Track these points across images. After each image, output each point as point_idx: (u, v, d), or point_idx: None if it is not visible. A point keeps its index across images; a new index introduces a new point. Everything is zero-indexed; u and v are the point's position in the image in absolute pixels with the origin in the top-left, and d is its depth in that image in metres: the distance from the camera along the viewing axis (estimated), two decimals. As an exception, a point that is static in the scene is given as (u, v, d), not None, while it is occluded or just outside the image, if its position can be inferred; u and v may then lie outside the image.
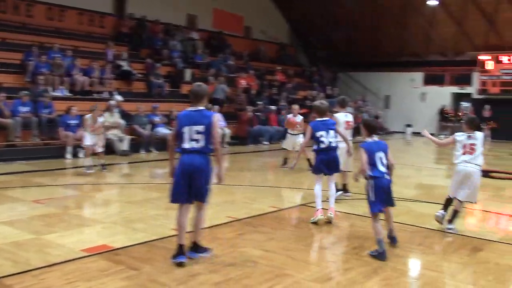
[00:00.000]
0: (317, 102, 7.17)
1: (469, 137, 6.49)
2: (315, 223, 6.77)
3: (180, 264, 4.95)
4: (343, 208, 7.76)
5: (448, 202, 6.76)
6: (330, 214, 6.79)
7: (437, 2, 22.69)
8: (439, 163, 16.51)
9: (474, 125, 6.59)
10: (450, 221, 6.56)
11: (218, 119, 5.29)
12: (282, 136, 18.80)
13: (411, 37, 25.31)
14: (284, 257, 5.36)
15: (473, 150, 6.45)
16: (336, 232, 6.66)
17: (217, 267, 4.95)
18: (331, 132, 6.78)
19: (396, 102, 26.48)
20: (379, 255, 5.32)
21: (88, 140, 10.86)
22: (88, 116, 11.08)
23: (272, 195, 8.99)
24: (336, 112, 8.24)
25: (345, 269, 5.15)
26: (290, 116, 12.08)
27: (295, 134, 11.87)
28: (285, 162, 12.18)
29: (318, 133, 6.74)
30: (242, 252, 5.47)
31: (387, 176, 5.58)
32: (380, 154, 5.58)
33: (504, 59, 23.33)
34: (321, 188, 6.97)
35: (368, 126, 5.80)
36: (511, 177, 11.88)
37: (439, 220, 6.72)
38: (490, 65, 23.71)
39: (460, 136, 6.56)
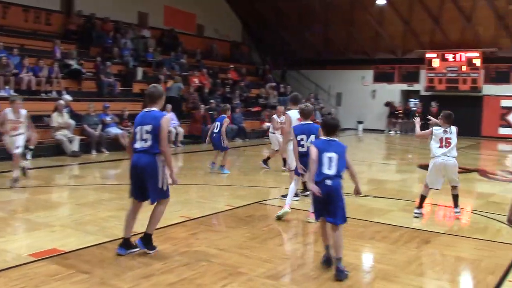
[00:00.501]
0: (302, 105, 7.16)
1: (445, 131, 7.02)
2: (279, 217, 6.87)
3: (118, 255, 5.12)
4: (297, 204, 7.84)
5: (423, 199, 7.37)
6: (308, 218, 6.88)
7: (385, 1, 23.22)
8: (389, 159, 16.92)
9: (450, 120, 7.09)
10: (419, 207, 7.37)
11: (168, 120, 5.26)
12: (236, 134, 18.90)
13: (361, 36, 25.84)
14: (238, 255, 5.36)
15: (449, 143, 7.01)
16: (291, 229, 6.73)
17: (171, 268, 4.90)
18: (312, 137, 6.79)
19: (348, 99, 26.96)
20: (324, 262, 5.09)
21: (13, 146, 8.83)
22: (7, 110, 8.81)
23: (228, 193, 8.99)
24: (289, 109, 8.25)
25: (299, 264, 5.21)
26: (274, 116, 12.22)
27: (274, 133, 12.02)
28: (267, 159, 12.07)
29: (299, 137, 6.82)
30: (196, 251, 5.44)
31: (329, 181, 4.82)
32: (330, 155, 4.89)
33: (449, 56, 24.15)
34: (297, 187, 7.10)
35: (326, 125, 5.17)
36: (458, 171, 12.30)
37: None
38: (436, 62, 24.50)
39: (437, 130, 7.06)
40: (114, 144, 14.25)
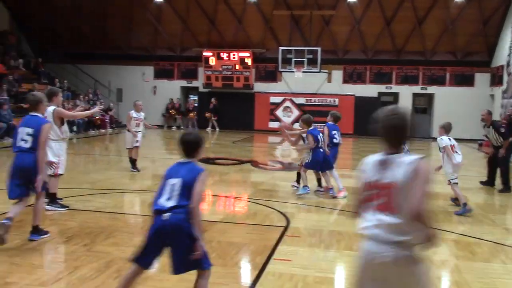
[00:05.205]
0: None
1: (449, 139, 7.96)
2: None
3: None
4: (78, 205, 7.51)
5: None
6: None
7: (162, 0, 23.56)
8: (171, 154, 17.26)
9: (450, 129, 8.02)
10: None
11: None
12: (6, 132, 17.17)
13: (140, 32, 25.75)
14: (8, 264, 4.94)
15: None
16: (67, 231, 6.41)
17: None
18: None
19: (129, 95, 26.58)
20: None
21: None
22: None
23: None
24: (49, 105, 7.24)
25: (76, 267, 5.01)
26: (132, 112, 11.85)
27: (138, 132, 11.72)
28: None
29: None
30: (-46, 266, 4.84)
31: (167, 216, 3.63)
32: (174, 181, 3.77)
33: (224, 55, 25.65)
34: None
35: (180, 143, 4.04)
36: (233, 162, 13.21)
37: None
38: (212, 61, 25.79)
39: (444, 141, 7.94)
40: None
